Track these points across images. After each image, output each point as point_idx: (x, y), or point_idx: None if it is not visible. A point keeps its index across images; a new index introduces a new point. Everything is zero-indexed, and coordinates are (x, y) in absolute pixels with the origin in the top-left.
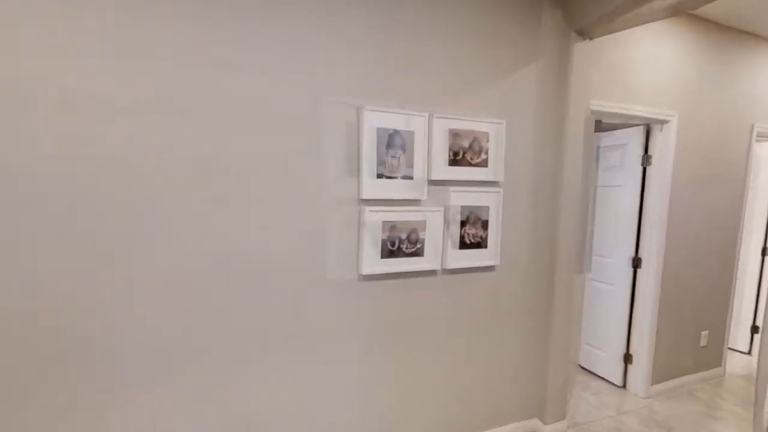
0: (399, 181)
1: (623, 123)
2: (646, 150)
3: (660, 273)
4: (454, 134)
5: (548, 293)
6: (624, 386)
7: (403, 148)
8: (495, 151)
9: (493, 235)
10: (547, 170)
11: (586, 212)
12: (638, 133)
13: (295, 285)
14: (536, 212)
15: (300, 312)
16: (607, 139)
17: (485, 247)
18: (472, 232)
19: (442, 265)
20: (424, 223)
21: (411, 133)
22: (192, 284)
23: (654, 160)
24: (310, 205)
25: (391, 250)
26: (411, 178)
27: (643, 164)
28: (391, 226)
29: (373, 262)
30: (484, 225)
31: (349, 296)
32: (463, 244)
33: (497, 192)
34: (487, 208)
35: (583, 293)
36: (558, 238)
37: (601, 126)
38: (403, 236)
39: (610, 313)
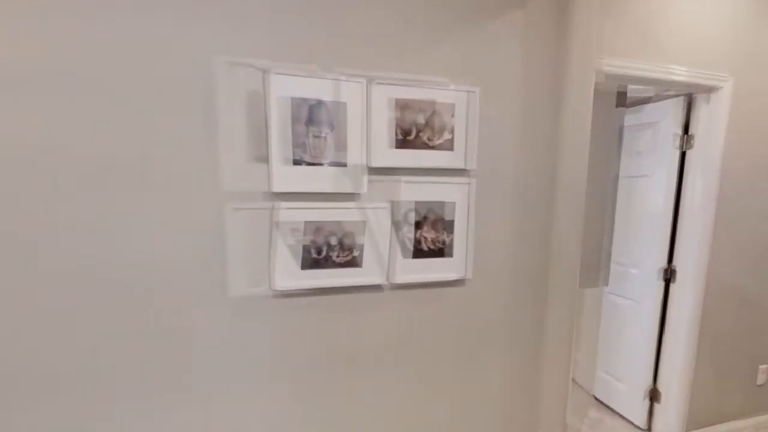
0: (326, 169)
1: (655, 96)
2: (686, 129)
3: (701, 288)
4: (404, 106)
5: (540, 313)
6: (648, 429)
7: (331, 125)
8: (463, 129)
9: (460, 239)
10: (540, 154)
11: (603, 210)
12: (675, 106)
13: (184, 303)
14: (523, 210)
15: (191, 338)
16: (633, 116)
17: (449, 255)
18: (431, 236)
19: (388, 278)
20: (362, 224)
21: (342, 105)
22: (37, 302)
23: (697, 141)
24: (201, 201)
25: (315, 259)
26: (343, 164)
27: (681, 147)
28: (315, 228)
29: (291, 275)
30: (448, 227)
31: (259, 318)
32: (419, 252)
33: (466, 183)
34: (453, 204)
35: (599, 310)
36: (552, 244)
37: (625, 100)
38: (334, 241)
39: (632, 337)
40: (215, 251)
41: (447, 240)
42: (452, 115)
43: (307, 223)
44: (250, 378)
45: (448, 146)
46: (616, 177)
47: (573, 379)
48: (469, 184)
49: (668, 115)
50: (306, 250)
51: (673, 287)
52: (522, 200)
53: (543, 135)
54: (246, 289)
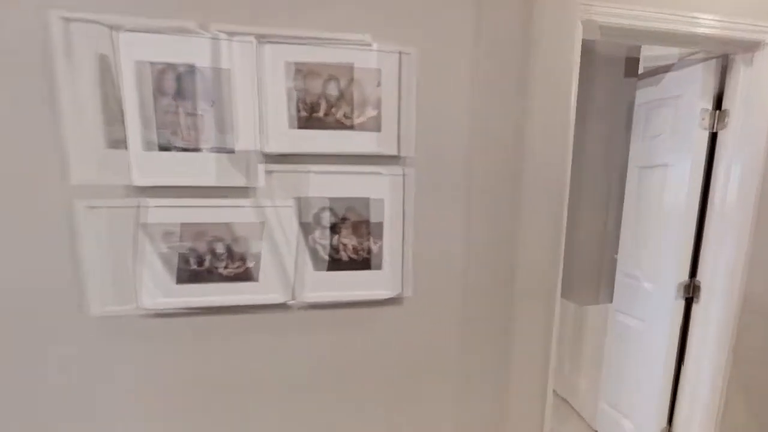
0: (206, 156)
1: (678, 62)
2: (718, 103)
3: (733, 310)
4: (308, 72)
5: (505, 339)
6: None
7: (211, 99)
8: (395, 104)
9: (392, 247)
10: (503, 136)
11: (606, 209)
12: (705, 72)
13: (30, 324)
14: (481, 208)
15: (42, 367)
16: (648, 90)
17: (378, 267)
18: (352, 243)
19: (294, 295)
20: (259, 226)
21: (224, 73)
22: None
23: (732, 118)
24: (45, 198)
25: (195, 271)
26: (230, 150)
27: (711, 127)
28: (195, 232)
29: (164, 290)
30: (375, 231)
31: (127, 343)
32: (337, 263)
33: (400, 175)
34: (380, 202)
35: (605, 330)
36: (519, 251)
37: (637, 69)
38: (220, 248)
39: (643, 366)
40: (67, 260)
41: (374, 248)
42: (378, 85)
43: (184, 225)
44: (116, 416)
45: (374, 126)
46: (624, 167)
47: (572, 406)
48: (404, 175)
49: (695, 85)
50: (183, 259)
51: (696, 308)
52: (479, 195)
53: (507, 110)
54: (109, 307)
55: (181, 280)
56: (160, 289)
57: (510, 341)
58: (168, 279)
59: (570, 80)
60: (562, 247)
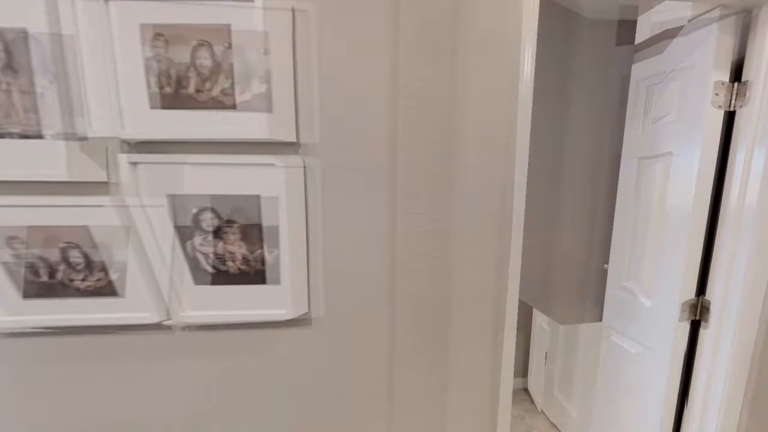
0: (51, 144)
1: (689, 24)
2: (736, 73)
3: (753, 337)
4: (170, 38)
5: (443, 364)
6: None
7: (51, 73)
8: (289, 76)
9: (293, 256)
10: (439, 117)
11: (593, 208)
12: (717, 34)
13: None
14: (411, 208)
15: None
16: (649, 62)
17: (275, 281)
18: (241, 252)
19: (170, 314)
20: (124, 230)
21: (67, 40)
22: None
23: (754, 91)
24: None
25: (46, 284)
26: (82, 137)
27: (726, 105)
28: (45, 237)
29: (8, 306)
30: (269, 236)
31: None
32: (223, 276)
33: (298, 167)
34: (274, 200)
35: (598, 348)
36: (457, 250)
37: (633, 35)
38: (76, 256)
39: (640, 396)
40: None
41: (269, 258)
42: (265, 52)
43: (31, 228)
44: None
45: (263, 105)
46: (617, 157)
47: None
48: (306, 167)
49: (707, 50)
50: (31, 269)
51: (704, 333)
52: (406, 188)
53: (438, 78)
54: None
55: (28, 294)
56: (2, 305)
57: (448, 366)
58: (12, 293)
59: (518, 37)
60: (519, 236)
